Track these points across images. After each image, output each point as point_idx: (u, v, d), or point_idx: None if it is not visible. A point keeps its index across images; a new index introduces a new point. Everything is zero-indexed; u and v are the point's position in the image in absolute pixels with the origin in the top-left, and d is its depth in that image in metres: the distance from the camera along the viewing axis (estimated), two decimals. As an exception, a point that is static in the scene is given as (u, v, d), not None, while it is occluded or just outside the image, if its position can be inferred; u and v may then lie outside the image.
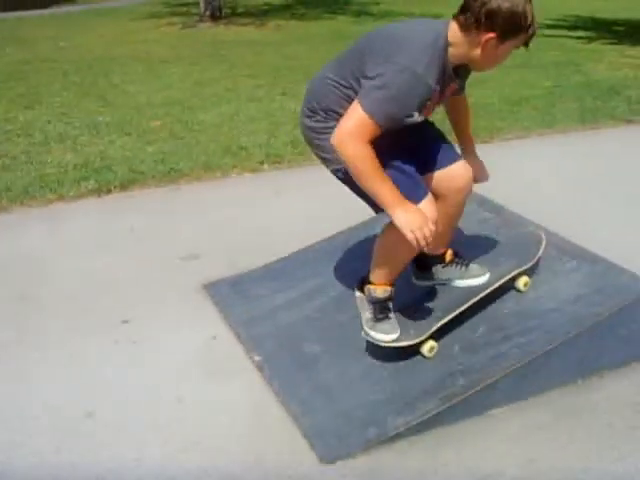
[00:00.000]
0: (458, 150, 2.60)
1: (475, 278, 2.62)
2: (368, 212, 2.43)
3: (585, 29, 13.67)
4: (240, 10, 17.82)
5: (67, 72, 9.11)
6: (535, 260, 2.68)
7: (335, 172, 2.38)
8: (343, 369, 2.50)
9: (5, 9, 19.60)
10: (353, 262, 3.07)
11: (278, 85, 7.82)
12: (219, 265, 3.36)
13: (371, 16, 15.31)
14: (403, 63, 2.06)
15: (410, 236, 2.11)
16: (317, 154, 2.43)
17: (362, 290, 2.58)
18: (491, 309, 2.59)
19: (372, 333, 2.44)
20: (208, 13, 15.19)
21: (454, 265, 2.66)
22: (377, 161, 2.12)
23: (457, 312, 2.49)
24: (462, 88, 2.45)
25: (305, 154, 5.04)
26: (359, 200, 2.35)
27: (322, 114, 2.32)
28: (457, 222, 2.65)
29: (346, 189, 2.38)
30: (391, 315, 2.48)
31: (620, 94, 7.00)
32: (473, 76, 2.39)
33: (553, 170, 4.63)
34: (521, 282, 2.67)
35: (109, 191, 4.46)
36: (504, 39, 2.09)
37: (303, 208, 4.03)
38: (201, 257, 3.51)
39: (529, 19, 2.07)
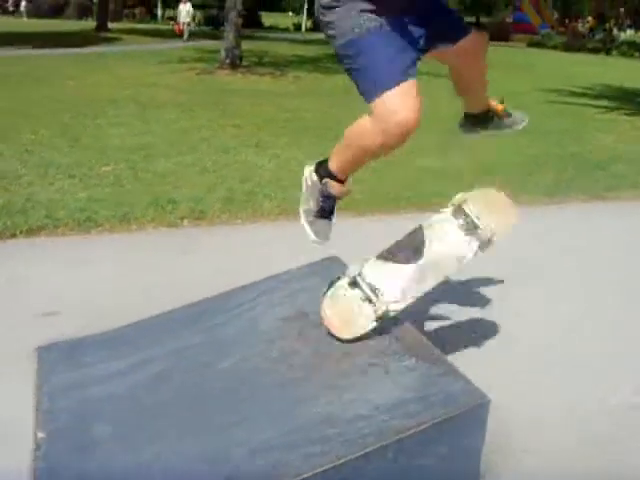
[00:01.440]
0: None
1: (520, 124, 2.85)
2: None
3: (609, 99, 13.34)
4: (266, 60, 17.95)
5: (58, 110, 9.10)
6: None
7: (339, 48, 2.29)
8: (130, 456, 2.18)
9: (43, 47, 20.11)
10: (198, 334, 2.77)
11: (256, 137, 7.65)
12: (76, 325, 3.07)
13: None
14: None
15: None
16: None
17: (318, 174, 2.45)
18: (302, 407, 2.23)
19: (307, 227, 2.46)
20: (228, 61, 15.29)
21: (504, 118, 2.84)
22: None
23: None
24: None
25: (232, 212, 4.81)
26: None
27: None
28: (484, 75, 2.63)
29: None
30: (333, 218, 2.46)
31: (605, 169, 6.63)
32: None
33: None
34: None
35: (13, 235, 4.24)
36: None
37: (199, 270, 3.73)
38: (61, 315, 3.23)
39: None
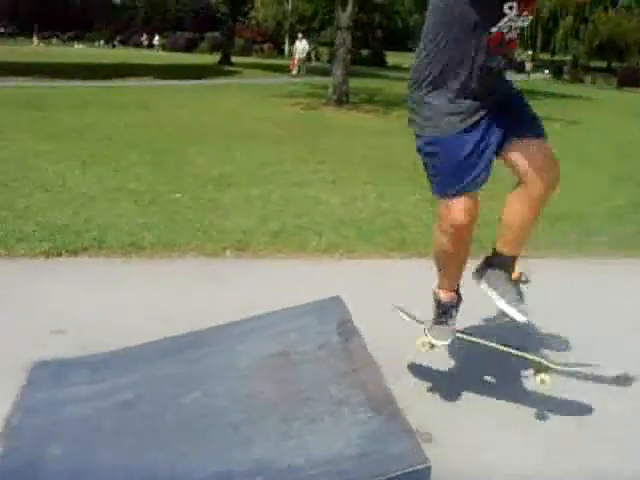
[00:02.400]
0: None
1: (519, 314, 2.55)
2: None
3: None
4: (377, 98, 18.05)
5: (155, 137, 9.56)
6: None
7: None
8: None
9: (164, 77, 21.19)
10: (177, 365, 2.77)
11: (335, 173, 7.64)
12: (76, 344, 3.13)
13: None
14: None
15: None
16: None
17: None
18: (240, 451, 2.15)
19: (427, 333, 2.67)
20: (335, 97, 15.48)
21: (516, 287, 2.62)
22: None
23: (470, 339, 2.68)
24: None
25: (278, 245, 4.80)
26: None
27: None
28: (535, 220, 2.59)
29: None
30: (450, 322, 2.64)
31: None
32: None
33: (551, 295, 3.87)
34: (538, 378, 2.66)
35: (59, 255, 4.41)
36: None
37: (221, 300, 3.72)
38: (66, 333, 3.30)
39: None
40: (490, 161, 2.46)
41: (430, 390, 2.97)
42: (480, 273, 2.68)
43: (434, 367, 3.14)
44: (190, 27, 69.34)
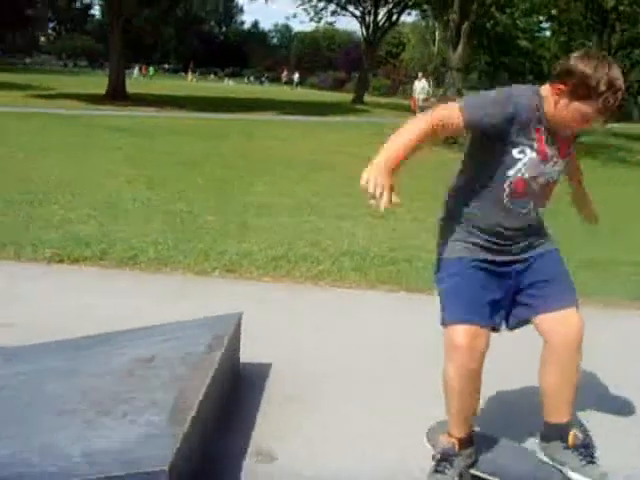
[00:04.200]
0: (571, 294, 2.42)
1: (588, 479, 2.33)
2: None
3: None
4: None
5: (232, 165, 10.04)
6: None
7: None
8: None
9: (289, 113, 21.97)
10: (61, 361, 2.95)
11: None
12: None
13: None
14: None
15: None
16: None
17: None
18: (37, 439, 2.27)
19: None
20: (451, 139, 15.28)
21: (575, 453, 2.39)
22: (412, 134, 2.14)
23: None
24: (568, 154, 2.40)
25: (266, 270, 4.92)
26: None
27: None
28: (574, 382, 2.39)
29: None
30: (448, 471, 2.37)
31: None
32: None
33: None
34: None
35: (60, 261, 4.78)
36: (572, 97, 2.14)
37: (176, 315, 3.86)
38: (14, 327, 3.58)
39: (603, 87, 2.09)
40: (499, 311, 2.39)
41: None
42: (542, 447, 2.53)
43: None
44: (340, 66, 71.56)
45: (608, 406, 3.15)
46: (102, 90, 24.04)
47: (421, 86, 22.41)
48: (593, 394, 3.20)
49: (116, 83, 24.21)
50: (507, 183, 2.26)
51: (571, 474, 2.38)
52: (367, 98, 37.22)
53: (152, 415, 2.29)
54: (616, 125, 19.65)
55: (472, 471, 2.44)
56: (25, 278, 4.46)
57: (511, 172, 2.24)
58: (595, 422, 2.93)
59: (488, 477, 2.43)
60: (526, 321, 2.43)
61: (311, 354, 3.56)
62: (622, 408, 3.14)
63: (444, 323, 2.33)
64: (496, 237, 2.34)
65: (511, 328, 2.46)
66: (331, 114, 24.16)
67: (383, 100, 39.44)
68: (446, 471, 2.38)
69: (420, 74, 22.94)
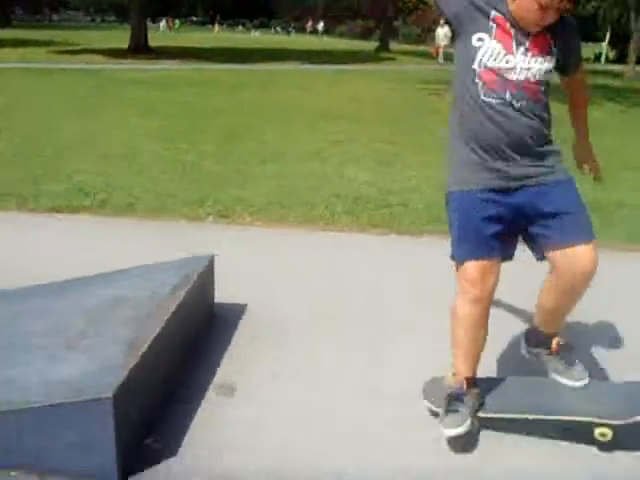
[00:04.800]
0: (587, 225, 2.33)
1: (569, 380, 2.54)
2: None
3: None
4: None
5: (246, 113, 10.10)
6: (628, 422, 2.35)
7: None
8: None
9: (312, 62, 21.73)
10: (39, 302, 3.06)
11: (401, 156, 7.57)
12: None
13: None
14: None
15: None
16: None
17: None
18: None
19: (441, 427, 2.41)
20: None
21: (558, 358, 2.58)
22: None
23: (511, 416, 2.46)
24: (568, 65, 2.39)
25: (258, 215, 4.99)
26: None
27: None
28: (573, 305, 2.44)
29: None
30: (461, 408, 2.40)
31: None
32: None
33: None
34: (598, 431, 2.39)
35: (59, 211, 4.91)
36: None
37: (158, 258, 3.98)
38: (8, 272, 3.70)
39: None
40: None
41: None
42: (524, 350, 2.70)
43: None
44: (369, 14, 70.11)
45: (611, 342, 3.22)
46: (127, 45, 24.06)
47: (444, 32, 21.93)
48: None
49: (139, 37, 24.19)
50: (477, 76, 2.23)
51: (554, 376, 2.56)
52: (395, 46, 36.63)
53: (112, 350, 2.39)
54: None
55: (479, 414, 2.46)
56: (25, 227, 4.58)
57: (475, 64, 2.23)
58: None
59: (494, 415, 2.47)
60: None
61: (292, 296, 3.63)
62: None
63: (453, 259, 2.39)
64: (497, 153, 2.28)
65: (538, 259, 2.41)
66: (355, 63, 23.86)
67: (410, 48, 38.75)
68: (459, 409, 2.39)
69: (442, 21, 22.31)
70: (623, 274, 4.04)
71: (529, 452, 2.41)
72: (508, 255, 2.41)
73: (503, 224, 2.33)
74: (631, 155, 8.00)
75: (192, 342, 2.99)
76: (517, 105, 2.23)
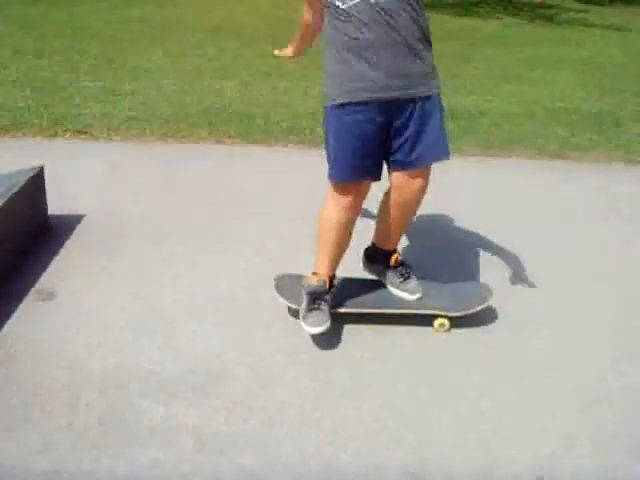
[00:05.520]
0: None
1: (405, 293, 2.74)
2: None
3: None
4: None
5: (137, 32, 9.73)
6: (463, 313, 2.69)
7: None
8: None
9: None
10: None
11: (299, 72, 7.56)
12: None
13: None
14: None
15: None
16: None
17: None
18: None
19: (302, 324, 2.55)
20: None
21: (395, 271, 2.76)
22: None
23: (360, 311, 2.69)
24: None
25: (116, 130, 5.01)
26: None
27: None
28: (408, 220, 2.69)
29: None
30: (323, 307, 2.56)
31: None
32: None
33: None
34: (437, 322, 2.71)
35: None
36: None
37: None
38: None
39: None
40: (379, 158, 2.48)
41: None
42: (365, 266, 2.88)
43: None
44: None
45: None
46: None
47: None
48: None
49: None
50: None
51: (391, 289, 2.77)
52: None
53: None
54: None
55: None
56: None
57: None
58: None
59: (347, 310, 2.70)
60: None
61: (133, 208, 3.76)
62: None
63: (329, 177, 2.49)
64: (364, 60, 2.28)
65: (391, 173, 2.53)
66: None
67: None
68: (322, 307, 2.56)
69: None
70: (477, 180, 4.34)
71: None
72: (378, 175, 2.50)
73: (374, 142, 2.39)
74: (508, 67, 8.21)
75: (18, 250, 3.05)
76: (386, 9, 2.22)
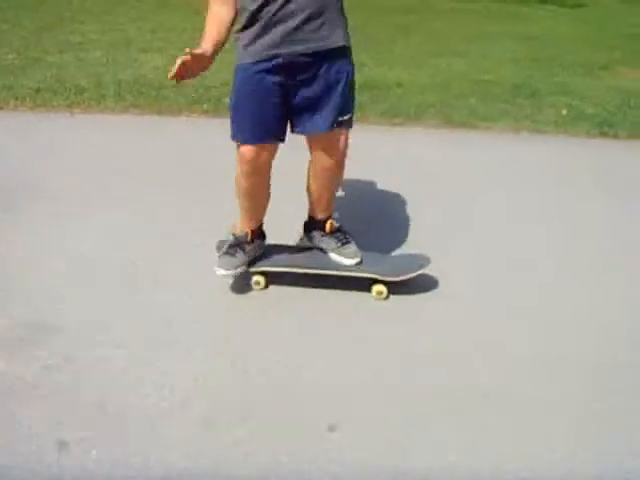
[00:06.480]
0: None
1: (343, 258, 2.75)
2: None
3: None
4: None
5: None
6: (399, 279, 2.71)
7: None
8: None
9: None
10: None
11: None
12: None
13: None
14: None
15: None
16: None
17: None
18: None
19: (215, 266, 2.67)
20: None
21: (332, 238, 2.78)
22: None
23: (294, 270, 2.76)
24: None
25: (23, 101, 5.00)
26: None
27: None
28: (336, 186, 2.76)
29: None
30: (239, 255, 2.67)
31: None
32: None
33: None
34: (375, 289, 2.74)
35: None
36: None
37: None
38: None
39: None
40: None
41: None
42: (304, 238, 2.91)
43: None
44: None
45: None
46: None
47: None
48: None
49: None
50: None
51: (330, 254, 2.79)
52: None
53: None
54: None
55: (254, 269, 2.75)
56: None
57: None
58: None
59: (266, 269, 2.77)
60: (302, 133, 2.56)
61: (30, 176, 3.78)
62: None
63: (232, 138, 2.48)
64: (272, 22, 2.30)
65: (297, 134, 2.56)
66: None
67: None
68: (237, 255, 2.68)
69: None
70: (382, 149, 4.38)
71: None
72: (283, 136, 2.50)
73: (280, 104, 2.40)
74: (448, 42, 8.18)
75: None
76: None
